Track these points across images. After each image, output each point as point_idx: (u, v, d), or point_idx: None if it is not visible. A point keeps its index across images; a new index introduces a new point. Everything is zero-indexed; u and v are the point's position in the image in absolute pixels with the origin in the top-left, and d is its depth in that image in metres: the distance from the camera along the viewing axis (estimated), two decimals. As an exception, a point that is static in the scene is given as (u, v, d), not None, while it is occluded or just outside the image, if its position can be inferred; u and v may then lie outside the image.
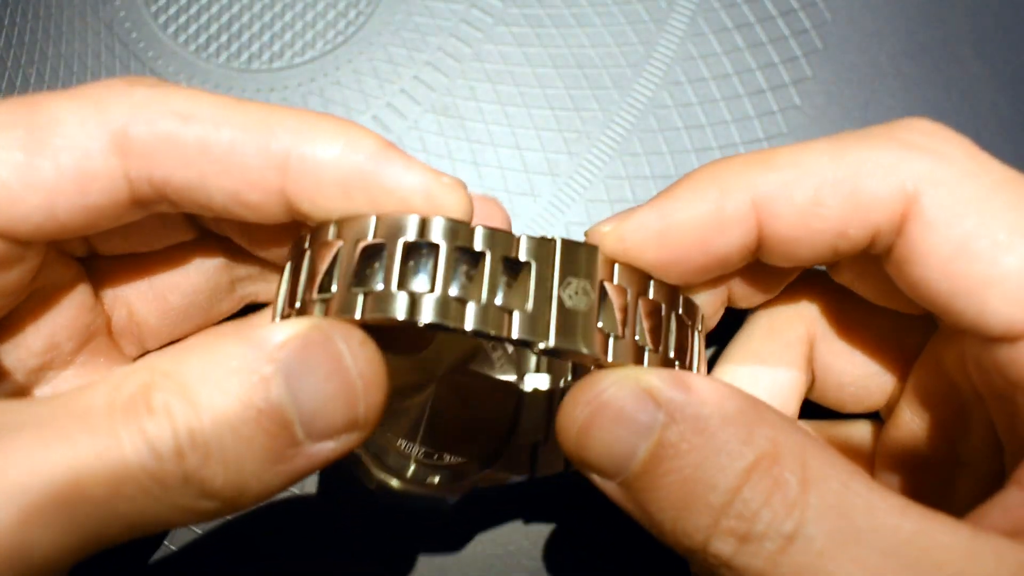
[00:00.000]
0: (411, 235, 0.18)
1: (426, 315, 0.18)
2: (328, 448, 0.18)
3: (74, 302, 0.22)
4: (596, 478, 0.19)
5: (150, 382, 0.17)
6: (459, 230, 0.18)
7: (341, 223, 0.19)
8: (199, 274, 0.24)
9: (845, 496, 0.16)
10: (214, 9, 0.32)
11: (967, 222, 0.18)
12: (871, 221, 0.18)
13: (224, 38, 0.32)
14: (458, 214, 0.19)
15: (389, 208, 0.19)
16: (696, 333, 0.21)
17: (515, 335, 0.18)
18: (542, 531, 0.28)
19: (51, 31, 0.32)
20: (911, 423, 0.23)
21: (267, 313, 0.24)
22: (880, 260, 0.20)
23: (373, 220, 0.19)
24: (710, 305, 0.22)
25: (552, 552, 0.28)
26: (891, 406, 0.23)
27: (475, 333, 0.18)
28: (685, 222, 0.19)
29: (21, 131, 0.18)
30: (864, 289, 0.21)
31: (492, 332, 0.18)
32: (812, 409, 0.25)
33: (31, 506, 0.15)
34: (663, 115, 0.32)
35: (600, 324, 0.19)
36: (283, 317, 0.20)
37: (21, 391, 0.22)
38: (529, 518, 0.28)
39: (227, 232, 0.22)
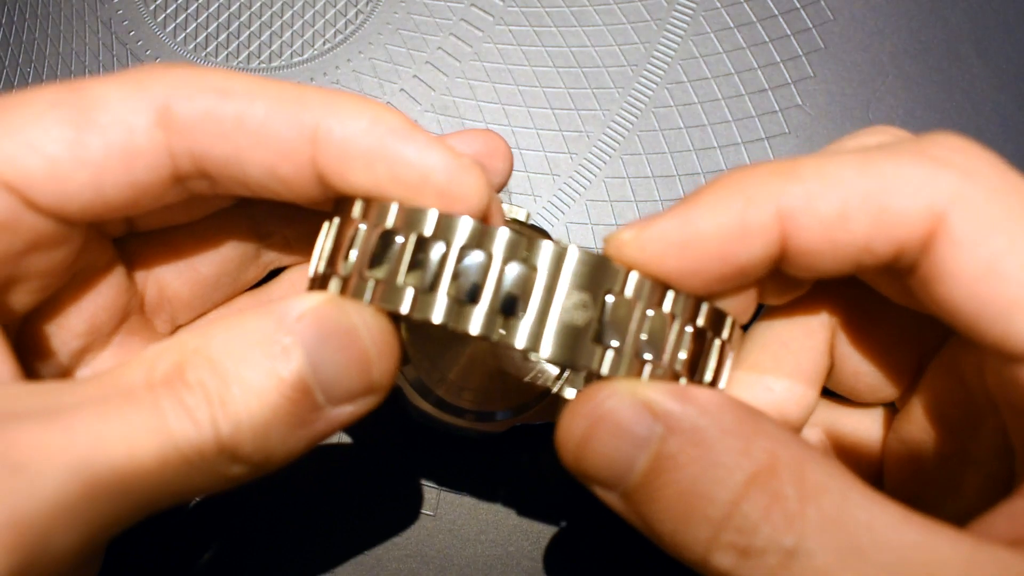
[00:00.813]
0: (427, 230, 0.19)
1: (432, 314, 0.18)
2: (347, 412, 0.19)
3: (111, 283, 0.23)
4: (597, 490, 0.19)
5: (182, 359, 0.18)
6: (476, 231, 0.18)
7: (367, 203, 0.20)
8: (228, 244, 0.24)
9: (845, 509, 0.16)
10: (212, 7, 0.32)
11: (995, 242, 0.17)
12: (897, 237, 0.18)
13: (223, 37, 0.32)
14: (475, 195, 0.19)
15: (411, 186, 0.19)
16: (719, 343, 0.20)
17: (515, 343, 0.18)
18: (542, 531, 0.28)
19: (49, 30, 0.32)
20: (922, 418, 0.22)
21: (283, 282, 0.25)
22: (903, 275, 0.19)
23: (395, 208, 0.19)
24: (740, 305, 0.21)
25: (552, 552, 0.28)
26: (904, 399, 0.23)
27: (479, 337, 0.18)
28: (707, 232, 0.19)
29: (69, 110, 0.18)
30: (887, 290, 0.21)
31: (494, 338, 0.18)
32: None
33: (94, 478, 0.16)
34: (664, 114, 0.31)
35: (601, 337, 0.19)
36: (311, 278, 0.21)
37: (65, 373, 0.22)
38: (529, 518, 0.28)
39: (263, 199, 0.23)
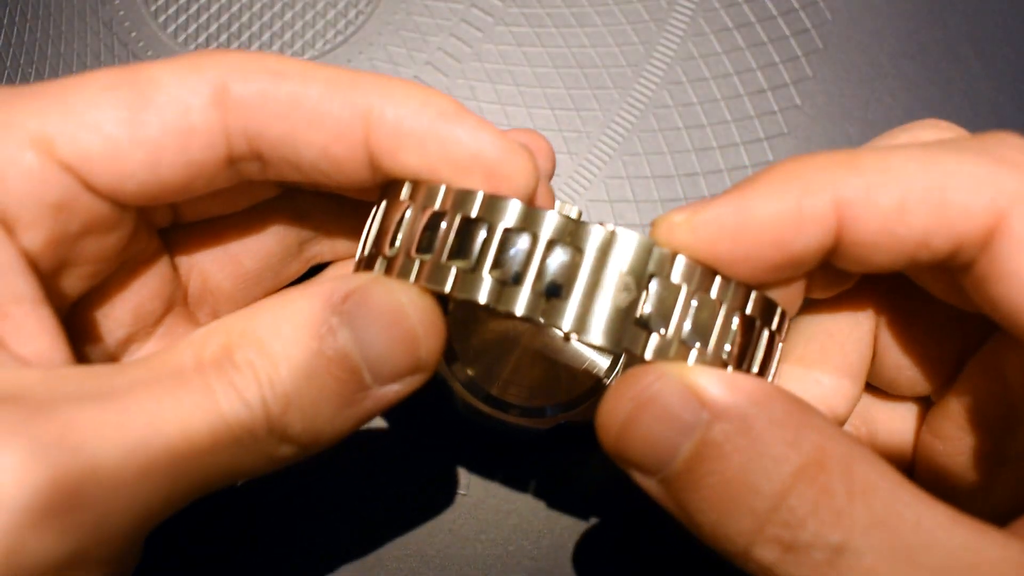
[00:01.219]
0: (474, 212, 0.19)
1: (473, 294, 0.18)
2: (394, 390, 0.19)
3: (157, 273, 0.23)
4: (636, 475, 0.18)
5: (229, 342, 0.18)
6: (523, 213, 0.19)
7: (414, 185, 0.20)
8: (271, 236, 0.24)
9: (894, 508, 0.16)
10: (213, 8, 0.32)
11: None
12: (956, 234, 0.18)
13: (224, 37, 0.32)
14: (524, 175, 0.19)
15: (461, 165, 0.19)
16: (767, 333, 0.20)
17: (561, 325, 0.18)
18: (542, 531, 0.28)
19: (50, 31, 0.32)
20: (958, 414, 0.22)
21: (328, 274, 0.26)
22: (957, 273, 0.19)
23: (442, 190, 0.19)
24: (788, 297, 0.21)
25: (552, 552, 0.28)
26: (941, 393, 0.23)
27: (524, 318, 0.18)
28: (762, 218, 0.18)
29: (126, 91, 0.19)
30: (932, 286, 0.21)
31: (539, 319, 0.18)
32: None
33: (150, 458, 0.17)
34: (663, 115, 0.32)
35: (647, 322, 0.18)
36: (358, 260, 0.21)
37: (110, 362, 0.22)
38: (529, 518, 0.28)
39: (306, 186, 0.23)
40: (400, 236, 0.20)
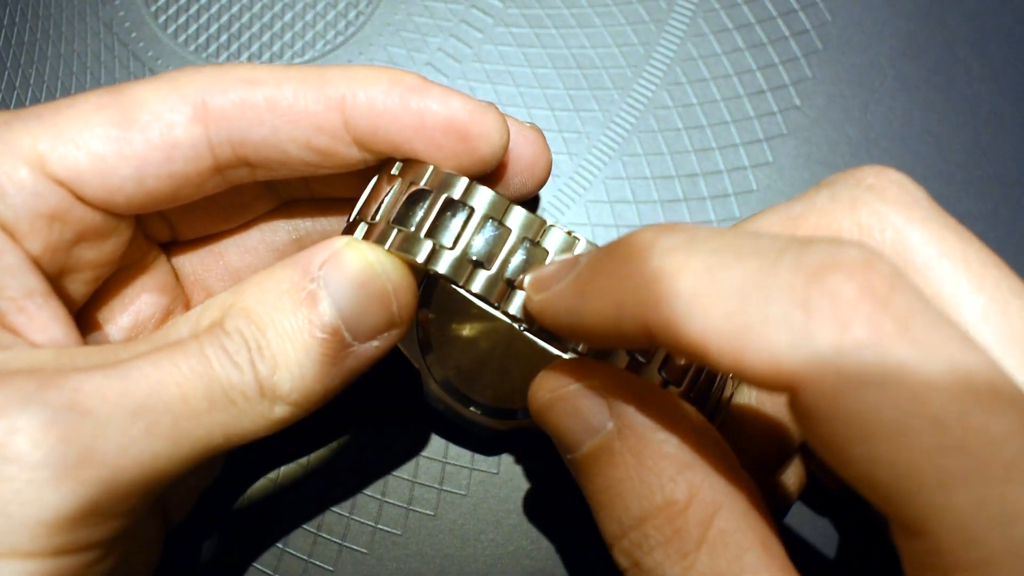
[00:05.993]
0: (456, 194, 0.20)
1: (441, 267, 0.20)
2: (374, 347, 0.20)
3: (156, 283, 0.24)
4: (555, 444, 0.20)
5: (220, 315, 0.20)
6: (498, 205, 0.20)
7: (405, 163, 0.21)
8: (271, 253, 0.26)
9: (734, 565, 0.17)
10: (214, 9, 0.32)
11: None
12: (748, 380, 0.17)
13: (224, 38, 0.32)
14: (496, 131, 0.21)
15: (437, 129, 0.21)
16: (726, 380, 0.21)
17: (510, 311, 0.20)
18: (542, 531, 0.28)
19: (51, 31, 0.32)
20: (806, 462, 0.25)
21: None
22: None
23: (430, 170, 0.21)
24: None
25: (552, 552, 0.28)
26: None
27: (478, 297, 0.20)
28: (588, 323, 0.18)
29: (113, 111, 0.20)
30: None
31: (492, 302, 0.20)
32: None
33: (152, 420, 0.18)
34: (663, 115, 0.32)
35: None
36: (345, 226, 0.22)
37: None
38: (529, 518, 0.28)
39: (300, 193, 0.25)
40: (384, 207, 0.21)
